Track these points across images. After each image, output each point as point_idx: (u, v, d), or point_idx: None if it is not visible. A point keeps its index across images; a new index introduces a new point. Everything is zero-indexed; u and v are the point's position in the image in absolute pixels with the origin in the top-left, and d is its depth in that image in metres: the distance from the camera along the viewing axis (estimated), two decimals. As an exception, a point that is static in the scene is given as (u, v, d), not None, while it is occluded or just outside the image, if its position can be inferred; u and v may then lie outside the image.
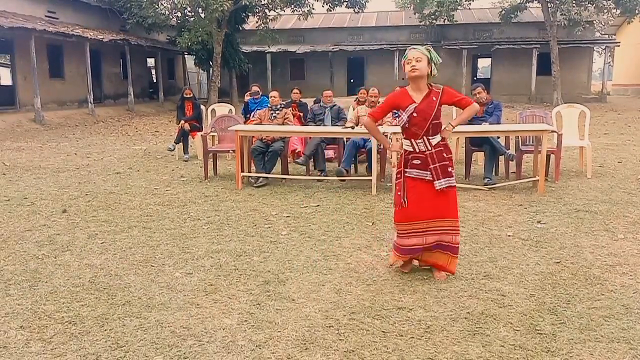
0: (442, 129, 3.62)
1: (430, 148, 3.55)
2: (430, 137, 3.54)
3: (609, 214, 5.18)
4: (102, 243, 4.47)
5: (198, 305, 3.22)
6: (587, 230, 4.65)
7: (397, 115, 8.02)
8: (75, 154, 10.03)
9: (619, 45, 26.88)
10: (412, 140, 3.58)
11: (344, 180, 6.85)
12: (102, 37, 19.11)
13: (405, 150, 3.64)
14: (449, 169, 3.57)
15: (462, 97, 3.69)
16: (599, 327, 2.87)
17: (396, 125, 7.34)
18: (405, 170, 3.61)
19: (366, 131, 6.60)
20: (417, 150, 3.57)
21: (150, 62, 27.22)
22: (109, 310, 3.15)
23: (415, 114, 3.52)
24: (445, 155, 3.58)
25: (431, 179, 3.55)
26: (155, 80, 26.41)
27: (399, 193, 3.63)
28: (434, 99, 3.54)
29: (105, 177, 7.54)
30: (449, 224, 3.59)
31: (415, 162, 3.59)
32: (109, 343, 2.77)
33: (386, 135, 6.63)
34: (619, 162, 8.14)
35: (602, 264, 3.84)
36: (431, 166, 3.54)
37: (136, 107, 21.71)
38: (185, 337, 2.83)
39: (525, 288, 3.41)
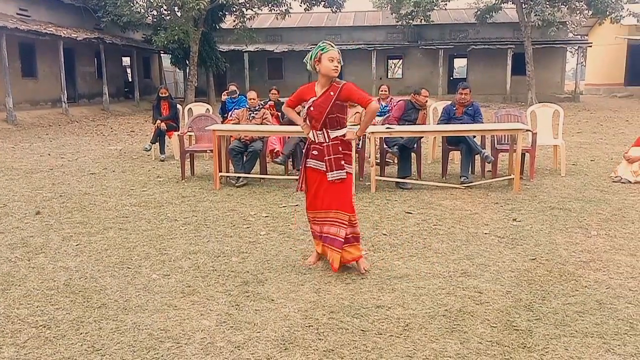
0: (349, 130, 3.75)
1: (327, 140, 3.69)
2: (329, 130, 3.67)
3: (583, 211, 5.28)
4: (77, 245, 4.39)
5: (176, 307, 3.19)
6: (561, 228, 4.74)
7: (378, 114, 8.07)
8: (49, 154, 9.85)
9: (591, 46, 27.45)
10: (313, 131, 3.75)
11: (322, 179, 6.84)
12: (76, 35, 18.79)
13: (309, 140, 3.82)
14: (342, 162, 3.68)
15: (360, 95, 3.70)
16: (573, 323, 2.92)
17: (374, 124, 7.40)
18: (306, 159, 3.82)
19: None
20: (316, 142, 3.74)
21: (126, 61, 26.87)
22: (85, 314, 3.10)
23: (312, 108, 3.66)
24: (340, 149, 3.69)
25: (325, 170, 3.69)
26: (130, 80, 26.08)
27: (299, 179, 3.91)
28: (332, 94, 3.62)
29: (79, 178, 7.42)
30: (335, 216, 3.69)
31: (314, 152, 3.76)
32: (85, 347, 2.73)
33: (364, 135, 6.67)
34: (591, 161, 8.31)
35: (576, 260, 3.91)
36: (326, 158, 3.68)
37: (111, 106, 21.40)
38: (163, 339, 2.80)
39: (502, 285, 3.46)
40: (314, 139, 3.75)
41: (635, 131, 11.27)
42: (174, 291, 3.42)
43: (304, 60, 3.75)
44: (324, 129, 3.68)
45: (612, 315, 3.00)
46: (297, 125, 4.14)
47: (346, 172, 3.71)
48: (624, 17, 22.19)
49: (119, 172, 7.88)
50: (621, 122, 14.90)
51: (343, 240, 3.67)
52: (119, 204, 5.84)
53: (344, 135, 3.72)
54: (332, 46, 3.62)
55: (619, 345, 2.68)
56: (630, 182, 6.52)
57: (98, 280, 3.62)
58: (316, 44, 3.73)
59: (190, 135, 8.37)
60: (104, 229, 4.86)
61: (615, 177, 6.72)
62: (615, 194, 6.02)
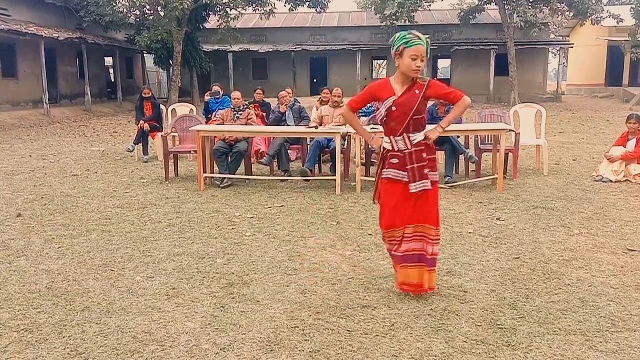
0: (430, 129, 3.29)
1: (410, 147, 3.21)
2: (410, 135, 3.21)
3: (565, 210, 5.35)
4: (59, 247, 4.33)
5: (160, 309, 3.16)
6: (544, 226, 4.79)
7: (363, 114, 8.12)
8: (30, 155, 9.70)
9: (572, 47, 27.81)
10: (391, 137, 3.26)
11: (308, 180, 6.85)
12: (57, 35, 18.54)
13: (384, 149, 3.31)
14: (426, 170, 3.23)
15: (451, 90, 3.28)
16: (556, 320, 2.95)
17: (365, 125, 7.41)
18: (382, 169, 3.31)
19: (329, 131, 6.66)
20: (396, 149, 3.24)
21: (108, 61, 26.61)
22: (67, 317, 3.06)
23: (394, 108, 3.17)
24: (425, 155, 3.23)
25: (407, 180, 3.23)
26: (113, 80, 25.81)
27: (373, 192, 3.43)
28: (417, 92, 3.16)
29: (61, 179, 7.32)
30: (422, 230, 3.25)
31: (392, 160, 3.25)
32: (68, 350, 2.69)
33: (349, 135, 6.70)
34: (573, 160, 8.42)
35: (559, 258, 3.95)
36: (408, 166, 3.21)
37: (93, 107, 21.16)
38: (147, 342, 2.77)
39: (486, 284, 3.48)
40: (393, 147, 3.24)
41: (616, 131, 11.43)
42: (158, 293, 3.39)
43: (390, 42, 3.21)
44: (404, 134, 3.19)
45: (594, 313, 3.04)
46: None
47: (431, 182, 3.24)
48: (604, 18, 22.51)
49: (101, 173, 7.79)
50: (602, 122, 15.11)
51: (432, 256, 3.26)
52: (101, 205, 5.77)
53: (425, 138, 3.24)
54: (419, 38, 3.08)
55: (600, 342, 2.72)
56: (611, 181, 6.61)
57: (81, 283, 3.58)
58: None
59: (173, 136, 8.31)
60: (87, 231, 4.80)
61: (597, 176, 6.81)
62: (597, 192, 6.10)
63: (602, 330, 2.83)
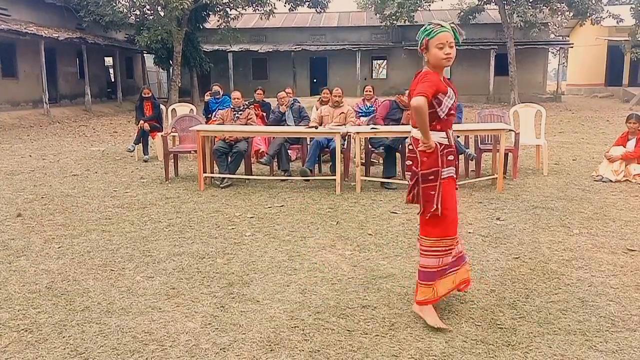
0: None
1: (453, 141, 3.02)
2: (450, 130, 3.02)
3: (565, 210, 5.34)
4: (59, 247, 4.33)
5: (160, 309, 3.16)
6: (544, 226, 4.79)
7: (363, 114, 8.11)
8: (30, 155, 9.70)
9: (572, 47, 27.82)
10: (448, 131, 2.97)
11: (308, 180, 6.85)
12: (57, 35, 18.54)
13: (441, 144, 2.93)
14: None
15: None
16: (556, 320, 2.95)
17: (360, 124, 7.42)
18: (442, 170, 2.93)
19: (329, 131, 6.66)
20: (451, 144, 2.98)
21: (108, 61, 26.60)
22: (68, 317, 3.06)
23: (454, 100, 2.98)
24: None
25: (456, 176, 3.06)
26: (113, 80, 25.81)
27: (435, 198, 2.91)
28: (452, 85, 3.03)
29: (61, 179, 7.32)
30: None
31: (450, 157, 2.97)
32: (68, 350, 2.69)
33: (349, 135, 6.70)
34: (573, 160, 8.42)
35: (559, 258, 3.95)
36: (456, 162, 3.05)
37: (93, 107, 21.15)
38: (147, 342, 2.77)
39: (486, 284, 3.48)
40: (450, 142, 2.97)
41: (616, 131, 11.43)
42: (158, 293, 3.39)
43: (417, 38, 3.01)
44: (448, 129, 2.99)
45: (594, 313, 3.04)
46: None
47: None
48: (604, 18, 22.51)
49: (101, 173, 7.79)
50: (602, 122, 15.11)
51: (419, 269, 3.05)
52: (101, 205, 5.77)
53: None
54: (443, 26, 2.89)
55: (600, 342, 2.72)
56: (611, 181, 6.61)
57: (81, 282, 3.58)
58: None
59: (174, 136, 8.31)
60: (87, 231, 4.80)
61: (597, 176, 6.81)
62: (597, 192, 6.10)
63: (602, 330, 2.84)
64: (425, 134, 2.84)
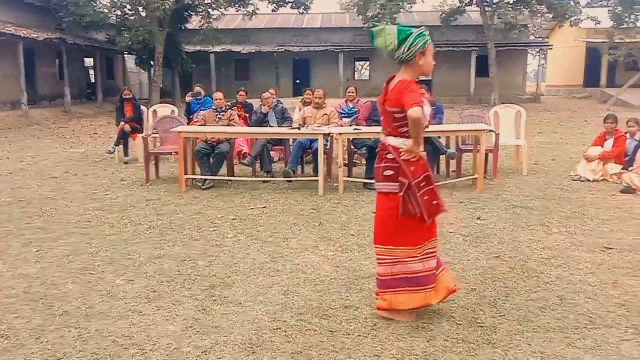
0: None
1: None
2: None
3: (544, 209, 5.42)
4: (37, 251, 4.26)
5: (140, 312, 3.13)
6: (523, 225, 4.84)
7: (345, 115, 8.11)
8: (8, 158, 9.54)
9: (551, 48, 28.17)
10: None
11: (290, 181, 6.84)
12: (36, 35, 18.26)
13: (417, 155, 2.95)
14: None
15: None
16: (536, 318, 2.99)
17: (342, 125, 7.42)
18: (431, 175, 2.99)
19: (312, 132, 6.66)
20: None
21: (88, 61, 26.26)
22: (46, 321, 3.01)
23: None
24: None
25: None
26: (93, 81, 25.50)
27: (434, 202, 2.94)
28: None
29: (40, 181, 7.21)
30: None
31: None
32: (46, 356, 2.65)
33: (332, 136, 6.71)
34: (552, 160, 8.53)
35: (538, 257, 4.00)
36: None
37: (73, 108, 20.86)
38: (127, 346, 2.74)
39: (467, 283, 3.51)
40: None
41: (594, 131, 11.59)
42: (139, 296, 3.35)
43: (380, 46, 2.88)
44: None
45: (573, 310, 3.09)
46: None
47: None
48: (582, 20, 22.86)
49: (81, 175, 7.69)
50: (580, 122, 15.35)
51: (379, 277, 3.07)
52: (81, 208, 5.70)
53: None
54: (428, 36, 2.93)
55: (579, 339, 2.76)
56: (589, 180, 6.72)
57: (59, 286, 3.53)
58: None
59: (154, 137, 8.24)
60: (66, 234, 4.74)
61: (575, 175, 6.91)
62: (575, 192, 6.19)
63: (580, 327, 2.88)
64: (420, 143, 2.87)
